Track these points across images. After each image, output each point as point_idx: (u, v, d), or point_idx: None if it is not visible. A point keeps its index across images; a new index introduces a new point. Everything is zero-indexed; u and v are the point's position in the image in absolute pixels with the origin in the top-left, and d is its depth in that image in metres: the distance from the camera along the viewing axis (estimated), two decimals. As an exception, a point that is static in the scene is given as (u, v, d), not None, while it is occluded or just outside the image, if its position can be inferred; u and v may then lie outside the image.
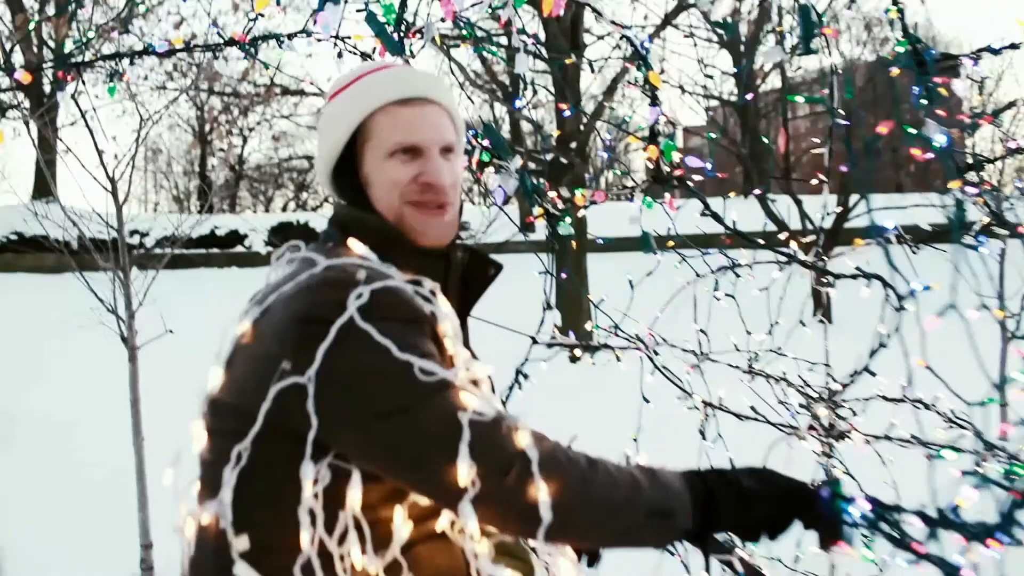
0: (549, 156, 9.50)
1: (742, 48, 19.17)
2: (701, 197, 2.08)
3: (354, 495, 1.12)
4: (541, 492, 1.06)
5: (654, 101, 2.04)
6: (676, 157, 2.10)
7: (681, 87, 18.45)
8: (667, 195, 2.19)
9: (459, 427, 1.06)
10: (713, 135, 20.47)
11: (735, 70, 19.23)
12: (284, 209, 30.72)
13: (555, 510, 1.06)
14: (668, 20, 13.88)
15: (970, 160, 1.91)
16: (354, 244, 1.25)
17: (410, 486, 1.15)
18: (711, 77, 20.42)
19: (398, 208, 1.30)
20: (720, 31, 17.65)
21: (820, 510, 1.24)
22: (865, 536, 1.25)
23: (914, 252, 2.25)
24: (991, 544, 1.20)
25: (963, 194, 1.84)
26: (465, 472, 1.04)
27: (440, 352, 1.16)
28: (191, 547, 1.19)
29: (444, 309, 1.19)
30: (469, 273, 1.36)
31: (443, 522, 1.20)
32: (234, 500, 1.09)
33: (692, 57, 21.12)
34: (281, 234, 16.78)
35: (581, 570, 1.38)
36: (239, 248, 17.45)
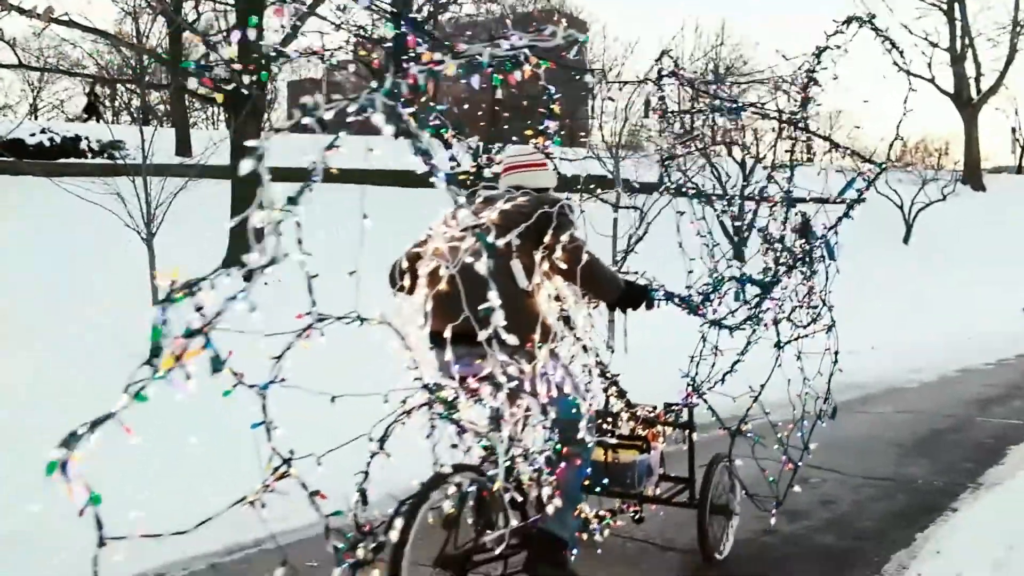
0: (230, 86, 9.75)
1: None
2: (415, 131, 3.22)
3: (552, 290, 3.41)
4: (603, 274, 3.47)
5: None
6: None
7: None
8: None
9: (584, 243, 3.37)
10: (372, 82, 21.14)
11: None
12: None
13: (602, 282, 3.47)
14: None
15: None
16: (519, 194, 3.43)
17: (570, 262, 3.28)
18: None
19: None
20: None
21: (646, 295, 3.69)
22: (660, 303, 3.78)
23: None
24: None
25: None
26: (587, 258, 3.32)
27: None
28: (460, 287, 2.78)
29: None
30: None
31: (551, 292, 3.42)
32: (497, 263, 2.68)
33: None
34: None
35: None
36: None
